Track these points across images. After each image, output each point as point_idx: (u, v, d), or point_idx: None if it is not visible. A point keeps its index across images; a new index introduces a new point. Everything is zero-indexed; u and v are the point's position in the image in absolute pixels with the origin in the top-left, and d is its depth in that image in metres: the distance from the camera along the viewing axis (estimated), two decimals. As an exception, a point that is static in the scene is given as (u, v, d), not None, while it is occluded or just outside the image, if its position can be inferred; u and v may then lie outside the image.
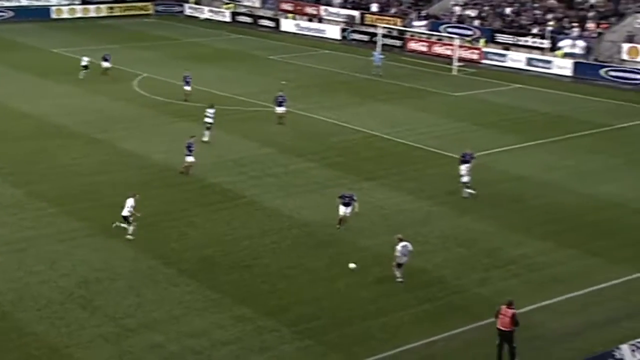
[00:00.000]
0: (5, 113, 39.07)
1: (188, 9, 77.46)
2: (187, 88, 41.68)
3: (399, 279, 21.76)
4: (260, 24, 70.98)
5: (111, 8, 75.79)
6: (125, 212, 24.34)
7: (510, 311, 18.12)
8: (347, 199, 25.17)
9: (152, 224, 25.70)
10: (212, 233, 25.11)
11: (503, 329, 18.14)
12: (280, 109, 37.22)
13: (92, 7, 75.09)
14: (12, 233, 24.67)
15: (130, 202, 24.43)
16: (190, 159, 30.06)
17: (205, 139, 33.90)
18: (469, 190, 28.28)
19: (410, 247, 21.73)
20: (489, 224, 26.08)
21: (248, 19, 72.38)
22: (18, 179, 29.66)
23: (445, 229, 25.64)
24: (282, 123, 37.02)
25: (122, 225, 24.27)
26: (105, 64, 47.47)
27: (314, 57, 57.06)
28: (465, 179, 28.53)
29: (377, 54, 50.82)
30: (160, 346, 18.75)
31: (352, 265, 22.23)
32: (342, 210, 25.13)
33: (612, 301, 20.72)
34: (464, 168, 28.55)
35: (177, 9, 78.00)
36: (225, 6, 75.56)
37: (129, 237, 24.23)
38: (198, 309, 20.42)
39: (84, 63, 46.97)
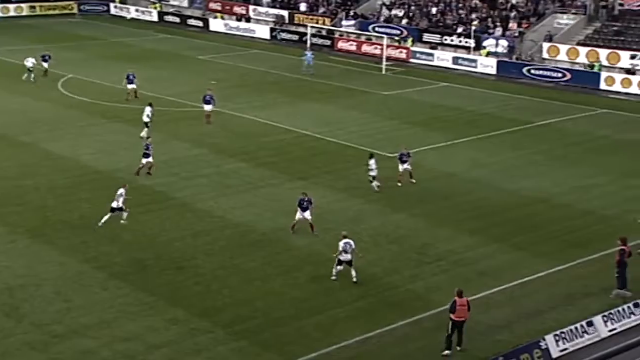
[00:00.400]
0: None
1: (114, 9, 75.90)
2: (132, 86, 41.42)
3: (333, 277, 21.90)
4: (188, 23, 70.17)
5: (33, 7, 73.53)
6: (115, 204, 24.75)
7: (465, 300, 18.66)
8: (304, 202, 24.78)
9: (81, 227, 25.13)
10: (144, 235, 24.73)
11: (460, 319, 18.50)
12: (207, 107, 37.19)
13: (11, 6, 72.64)
14: None
15: (121, 191, 25.08)
16: (146, 160, 29.77)
17: (143, 134, 34.14)
18: (376, 183, 28.70)
19: (352, 244, 21.80)
20: (419, 221, 26.53)
21: (176, 19, 71.46)
22: (-63, 184, 28.51)
23: (376, 226, 25.95)
24: (209, 122, 36.66)
25: (105, 218, 24.58)
26: (45, 65, 45.89)
27: (244, 57, 56.81)
28: (373, 173, 28.85)
29: (309, 54, 50.97)
30: (91, 352, 18.37)
31: (338, 268, 21.94)
32: (299, 214, 24.61)
33: (537, 293, 21.40)
34: (372, 163, 28.79)
35: (103, 8, 76.30)
36: (152, 6, 74.37)
37: (123, 221, 24.68)
38: (130, 312, 20.08)
39: (29, 65, 44.88)
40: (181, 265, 22.83)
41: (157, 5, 74.15)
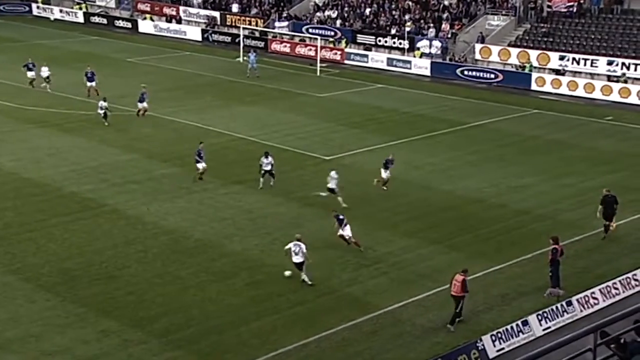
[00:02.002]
0: None
1: (36, 9, 73.97)
2: (91, 84, 41.75)
3: (306, 280, 21.88)
4: (116, 25, 68.99)
5: (-53, 6, 71.06)
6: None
7: (461, 276, 19.80)
8: (341, 217, 24.29)
9: (6, 237, 24.41)
10: (73, 244, 24.17)
11: (453, 294, 19.87)
12: (141, 105, 38.09)
13: None
14: None
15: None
16: (200, 165, 29.63)
17: (106, 123, 35.67)
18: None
19: (303, 247, 21.86)
20: (356, 223, 26.57)
21: (103, 20, 70.16)
22: None
23: (315, 230, 25.97)
24: (144, 115, 37.90)
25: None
26: (30, 74, 43.41)
27: (175, 58, 56.19)
28: (268, 167, 29.04)
29: (252, 55, 50.75)
30: (18, 368, 17.83)
31: (287, 273, 22.03)
32: (343, 231, 24.02)
33: (473, 295, 21.78)
34: (268, 161, 29.16)
35: (24, 9, 74.25)
36: (77, 6, 72.77)
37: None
38: (59, 325, 19.59)
39: (45, 74, 42.87)
40: (113, 274, 22.41)
41: (83, 5, 72.61)
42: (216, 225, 25.79)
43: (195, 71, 51.73)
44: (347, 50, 56.74)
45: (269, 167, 29.50)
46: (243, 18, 63.49)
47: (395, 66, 54.29)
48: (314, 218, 27.10)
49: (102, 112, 36.55)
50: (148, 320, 19.99)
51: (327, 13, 61.40)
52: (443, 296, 21.76)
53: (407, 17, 57.69)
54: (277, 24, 61.43)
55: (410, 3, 58.88)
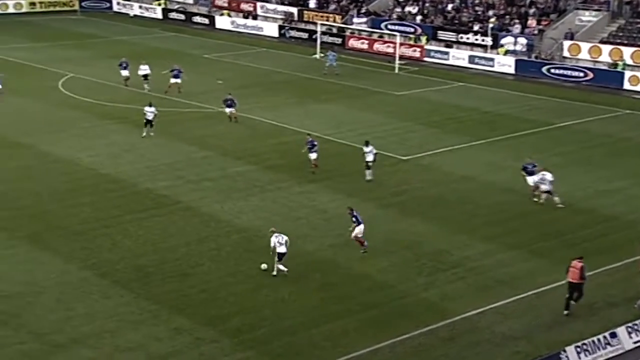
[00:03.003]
0: None
1: (116, 5, 76.33)
2: (177, 81, 42.63)
3: (284, 271, 22.48)
4: (194, 21, 70.46)
5: (32, 4, 74.06)
6: None
7: (580, 264, 20.39)
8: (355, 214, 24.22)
9: (83, 232, 25.28)
10: (147, 241, 24.84)
11: (573, 281, 20.45)
12: (229, 110, 37.85)
13: (10, 2, 73.18)
14: None
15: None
16: (313, 155, 30.97)
17: (144, 134, 34.82)
18: (369, 173, 29.94)
19: (284, 237, 22.44)
20: (433, 226, 26.51)
21: (181, 16, 71.80)
22: None
23: (389, 231, 25.95)
24: (236, 122, 37.62)
25: None
26: (124, 73, 44.68)
27: (251, 55, 56.99)
28: (369, 158, 30.12)
29: (331, 54, 51.00)
30: (92, 362, 18.46)
31: (263, 266, 22.68)
32: (359, 229, 23.94)
33: (557, 303, 21.31)
34: (369, 150, 30.14)
35: (105, 5, 76.73)
36: (156, 2, 74.73)
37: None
38: (133, 321, 20.16)
39: (143, 72, 43.50)
40: (186, 272, 22.91)
41: (162, 2, 74.49)
42: (290, 225, 26.00)
43: (272, 68, 52.33)
44: (427, 47, 56.29)
45: (370, 157, 30.17)
46: (321, 14, 63.80)
47: (477, 64, 53.53)
48: (389, 220, 27.03)
49: (151, 116, 35.04)
50: (220, 319, 20.34)
51: (407, 9, 61.05)
52: (524, 304, 21.36)
53: (491, 12, 56.78)
54: (355, 20, 61.47)
55: (495, -2, 57.94)
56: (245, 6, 69.57)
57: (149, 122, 35.11)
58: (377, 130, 37.86)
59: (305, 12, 65.32)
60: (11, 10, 72.69)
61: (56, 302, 20.93)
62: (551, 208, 28.26)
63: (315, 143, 31.80)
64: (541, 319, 20.74)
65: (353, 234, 24.12)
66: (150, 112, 35.10)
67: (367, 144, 30.79)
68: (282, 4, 67.61)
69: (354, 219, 24.14)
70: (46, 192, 28.53)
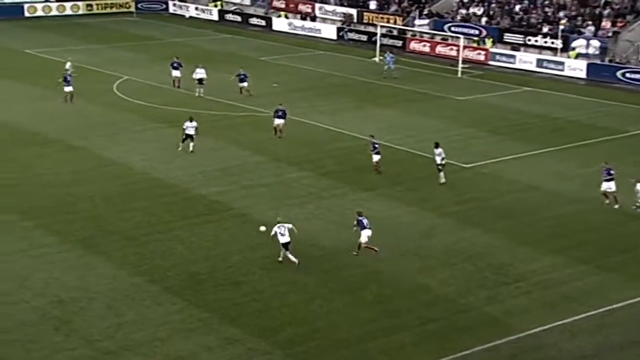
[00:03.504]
0: (-26, 119, 39.12)
1: (172, 7, 77.79)
2: (244, 85, 43.52)
3: (295, 262, 23.41)
4: (250, 22, 71.30)
5: (89, 6, 76.05)
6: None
7: None
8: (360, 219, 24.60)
9: (135, 237, 25.77)
10: (199, 248, 25.17)
11: None
12: (278, 122, 36.57)
13: (68, 4, 75.29)
14: (-21, 249, 24.67)
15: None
16: (377, 157, 31.75)
17: (179, 148, 34.05)
18: (442, 176, 30.51)
19: (287, 226, 23.45)
20: (496, 238, 26.19)
21: (237, 18, 72.73)
22: (-13, 190, 29.69)
23: (449, 242, 25.74)
24: (280, 137, 36.37)
25: None
26: (175, 73, 45.37)
27: (309, 58, 57.31)
28: (438, 160, 30.63)
29: (389, 56, 50.98)
30: (143, 370, 18.78)
31: (262, 228, 24.03)
32: (365, 234, 24.36)
33: (629, 321, 20.79)
34: (438, 153, 30.75)
35: (161, 6, 78.31)
36: (212, 4, 75.87)
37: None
38: (184, 329, 20.44)
39: (199, 76, 43.70)
40: (238, 280, 23.13)
41: (218, 3, 75.59)
42: (344, 233, 26.01)
43: (329, 71, 52.53)
44: (493, 50, 55.73)
45: (439, 160, 30.53)
46: (381, 16, 63.80)
47: (546, 68, 52.75)
48: (450, 229, 26.81)
49: (192, 131, 33.75)
50: (272, 330, 20.47)
51: (471, 10, 60.55)
52: (593, 321, 20.90)
53: (561, 14, 55.88)
54: (417, 22, 61.28)
55: (566, -1, 57.01)
56: (303, 7, 70.05)
57: (189, 136, 33.78)
58: (437, 136, 37.49)
59: (365, 13, 65.41)
60: (68, 12, 74.78)
61: (107, 308, 21.37)
62: (624, 220, 27.59)
63: (377, 145, 32.05)
64: (612, 338, 20.25)
65: (362, 241, 24.26)
66: (191, 127, 33.82)
67: (436, 145, 31.11)
68: (341, 5, 67.84)
69: (355, 223, 24.49)
70: (99, 196, 29.19)
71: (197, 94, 43.85)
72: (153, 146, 35.41)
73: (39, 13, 73.57)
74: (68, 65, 47.14)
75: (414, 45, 59.77)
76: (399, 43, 60.46)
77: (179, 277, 23.20)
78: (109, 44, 60.08)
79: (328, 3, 68.86)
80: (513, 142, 36.91)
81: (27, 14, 72.84)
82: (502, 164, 33.74)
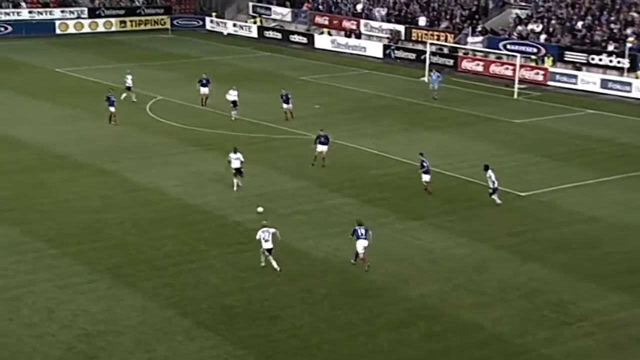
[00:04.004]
0: (0, 142, 39.87)
1: (209, 24, 78.91)
2: (288, 106, 43.67)
3: (277, 270, 24.95)
4: (291, 40, 71.92)
5: (123, 22, 77.53)
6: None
7: None
8: (363, 229, 25.80)
9: (166, 267, 25.93)
10: (234, 279, 25.21)
11: None
12: (321, 148, 36.05)
13: (100, 21, 76.90)
14: (5, 278, 25.01)
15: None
16: (427, 177, 32.69)
17: (235, 188, 32.85)
18: (496, 198, 31.09)
19: (271, 231, 24.99)
20: (555, 272, 25.80)
21: (277, 35, 73.44)
22: (13, 216, 30.16)
23: (504, 277, 25.42)
24: (323, 165, 36.03)
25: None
26: (204, 90, 46.53)
27: (352, 77, 57.50)
28: (494, 184, 30.90)
29: (435, 75, 50.93)
30: (173, 410, 18.78)
31: (259, 209, 26.87)
32: (360, 245, 25.51)
33: None
34: (489, 175, 31.20)
35: (198, 23, 79.52)
36: (251, 20, 76.77)
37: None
38: (217, 367, 20.43)
39: (231, 98, 43.82)
40: (275, 314, 23.08)
41: (257, 19, 76.47)
42: (391, 266, 25.85)
43: (374, 92, 52.61)
44: (552, 69, 55.34)
45: (492, 184, 31.06)
46: (431, 32, 63.86)
47: (611, 89, 52.18)
48: (504, 263, 26.49)
49: (238, 163, 32.51)
50: (311, 369, 20.35)
51: (529, 27, 60.26)
52: (663, 367, 20.36)
53: (629, 30, 55.32)
54: (469, 39, 61.19)
55: (635, 15, 56.35)
56: (347, 24, 70.49)
57: (237, 171, 32.58)
58: (491, 162, 37.04)
59: (414, 30, 65.55)
60: (101, 29, 76.33)
61: (136, 342, 21.46)
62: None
63: (426, 164, 32.31)
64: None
65: (358, 250, 25.52)
66: (235, 159, 32.50)
67: (486, 168, 31.32)
68: (388, 21, 68.11)
69: (352, 231, 25.72)
70: (129, 223, 29.49)
71: (233, 118, 44.18)
72: (187, 170, 35.73)
73: (71, 30, 75.24)
74: (129, 78, 48.29)
75: (466, 64, 59.62)
76: (450, 62, 60.38)
77: (212, 310, 23.23)
78: (142, 62, 61.06)
79: (374, 19, 69.19)
80: (573, 169, 36.46)
81: (58, 31, 74.55)
82: (561, 192, 33.31)
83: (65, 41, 71.52)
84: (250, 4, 78.94)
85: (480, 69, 58.76)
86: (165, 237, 28.29)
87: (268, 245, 25.11)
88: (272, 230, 25.23)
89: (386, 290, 24.53)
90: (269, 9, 77.43)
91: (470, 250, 27.59)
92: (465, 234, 28.82)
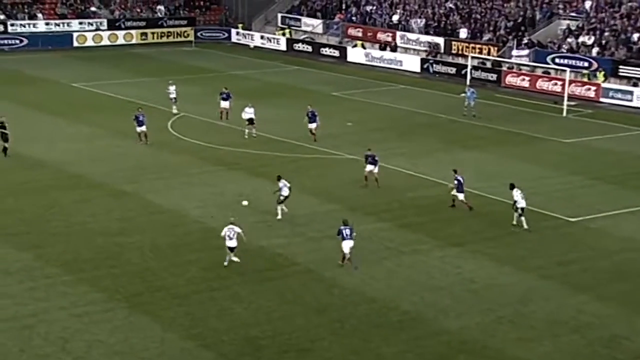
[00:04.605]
0: (14, 161, 40.42)
1: (235, 36, 79.58)
2: (313, 125, 43.54)
3: (236, 261, 27.54)
4: (322, 53, 72.27)
5: (144, 34, 78.48)
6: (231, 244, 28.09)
7: None
8: (347, 229, 27.67)
9: (187, 295, 26.05)
10: (259, 308, 25.25)
11: None
12: (370, 168, 36.21)
13: (120, 33, 77.91)
14: (17, 306, 25.25)
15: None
16: (461, 196, 33.25)
17: (279, 216, 32.77)
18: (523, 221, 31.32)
19: (236, 229, 27.15)
20: (608, 305, 25.53)
21: (308, 48, 73.85)
22: (25, 240, 30.49)
23: (552, 309, 25.20)
24: (378, 186, 36.00)
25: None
26: (224, 104, 47.62)
27: (387, 93, 57.60)
28: (521, 204, 31.27)
29: (469, 91, 50.93)
30: None
31: (244, 203, 28.97)
32: (346, 245, 27.48)
33: None
34: (517, 194, 31.42)
35: (223, 35, 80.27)
36: (279, 32, 77.30)
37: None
38: (240, 403, 20.45)
39: (247, 116, 44.17)
40: (303, 347, 23.07)
41: (286, 31, 76.97)
42: (428, 296, 25.74)
43: (411, 108, 52.63)
44: (605, 85, 54.98)
45: (516, 204, 31.34)
46: (472, 45, 63.84)
47: (671, 106, 51.77)
48: (552, 294, 26.29)
49: (287, 192, 32.46)
50: (341, 406, 20.29)
51: (580, 39, 60.01)
52: None
53: (689, 42, 54.90)
54: (514, 52, 61.08)
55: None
56: (382, 36, 70.73)
57: (285, 198, 32.53)
58: (537, 184, 37.10)
59: (454, 42, 65.59)
60: (121, 41, 77.34)
61: (154, 375, 21.56)
62: None
63: (462, 180, 33.03)
64: None
65: (345, 251, 27.48)
66: (285, 186, 32.52)
67: (512, 187, 31.74)
68: (427, 33, 68.22)
69: (338, 231, 27.67)
70: (149, 247, 29.70)
71: (246, 136, 44.48)
72: (210, 191, 35.94)
73: (89, 43, 76.34)
74: (172, 88, 49.32)
75: (510, 80, 59.46)
76: (493, 76, 60.27)
77: (236, 342, 23.28)
78: (164, 77, 61.54)
79: (411, 31, 69.33)
80: (628, 193, 36.15)
81: (76, 44, 75.71)
82: (615, 218, 33.01)
83: (83, 54, 72.57)
84: (279, 14, 79.55)
85: (526, 84, 58.55)
86: (186, 262, 28.44)
87: (232, 243, 27.44)
88: (237, 229, 27.42)
89: (423, 322, 24.42)
90: (299, 20, 77.95)
91: (515, 279, 27.40)
92: (510, 262, 28.63)
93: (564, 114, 51.21)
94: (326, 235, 30.97)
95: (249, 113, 44.71)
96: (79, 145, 43.47)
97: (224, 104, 47.73)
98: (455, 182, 33.13)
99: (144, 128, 42.98)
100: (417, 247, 29.90)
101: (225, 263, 27.60)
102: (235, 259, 27.62)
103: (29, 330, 23.72)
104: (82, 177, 37.91)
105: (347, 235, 27.43)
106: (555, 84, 56.18)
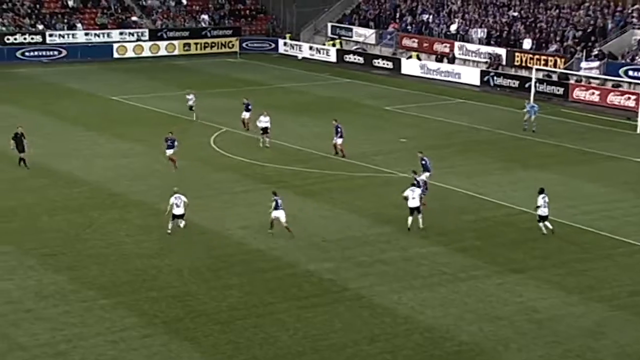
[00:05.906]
0: (49, 178, 41.01)
1: (283, 46, 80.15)
2: (339, 141, 43.90)
3: (168, 232, 31.91)
4: (374, 65, 72.43)
5: (187, 45, 79.43)
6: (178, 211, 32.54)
7: None
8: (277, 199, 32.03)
9: (229, 322, 26.11)
10: (306, 336, 25.22)
11: None
12: (420, 184, 35.38)
13: (162, 43, 78.97)
14: (51, 331, 25.49)
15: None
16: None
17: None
18: (547, 225, 32.38)
19: (183, 198, 31.67)
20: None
21: (359, 59, 74.06)
22: (60, 261, 30.85)
23: (625, 343, 24.78)
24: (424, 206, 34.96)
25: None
26: (245, 115, 49.18)
27: (445, 108, 57.41)
28: (543, 211, 32.30)
29: (529, 106, 50.62)
30: None
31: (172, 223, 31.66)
32: (275, 214, 31.64)
33: None
34: (541, 199, 32.45)
35: (270, 45, 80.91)
36: (329, 43, 77.63)
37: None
38: None
39: (262, 125, 45.72)
40: (352, 379, 22.99)
41: (337, 42, 77.28)
42: (487, 326, 25.48)
43: (470, 124, 52.39)
44: (682, 99, 54.20)
45: (538, 210, 32.30)
46: (537, 57, 63.43)
47: None
48: (625, 326, 25.87)
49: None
50: None
51: (654, 49, 59.32)
52: None
53: None
54: (583, 64, 60.58)
55: None
56: (439, 47, 70.70)
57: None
58: (608, 207, 36.61)
59: (517, 53, 65.28)
60: (162, 52, 78.42)
61: (193, 406, 21.63)
62: None
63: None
64: None
65: (272, 217, 31.59)
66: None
67: (541, 191, 32.82)
68: (487, 44, 67.96)
69: (274, 202, 31.67)
70: (188, 270, 29.87)
71: (261, 145, 45.32)
72: (254, 211, 36.05)
73: (129, 54, 77.52)
74: (191, 97, 50.55)
75: (579, 93, 58.95)
76: (560, 90, 59.80)
77: (280, 372, 23.28)
78: (206, 90, 62.30)
79: (471, 41, 69.13)
80: None
81: (116, 55, 76.95)
82: (694, 244, 32.44)
83: (123, 66, 73.67)
84: (329, 24, 79.98)
85: (595, 98, 57.98)
86: (228, 286, 28.53)
87: (179, 211, 31.83)
88: (184, 198, 31.71)
89: (481, 354, 24.18)
90: (350, 30, 78.27)
91: (583, 310, 27.00)
92: (577, 291, 28.23)
93: (638, 130, 50.53)
94: (377, 259, 30.89)
95: (264, 122, 45.75)
96: (117, 161, 44.00)
97: (245, 114, 48.97)
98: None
99: (171, 151, 42.00)
100: (475, 273, 29.64)
101: (169, 231, 31.82)
102: (182, 224, 32.11)
103: (63, 357, 23.95)
104: (119, 195, 38.36)
105: (280, 205, 31.73)
106: (628, 98, 55.52)
